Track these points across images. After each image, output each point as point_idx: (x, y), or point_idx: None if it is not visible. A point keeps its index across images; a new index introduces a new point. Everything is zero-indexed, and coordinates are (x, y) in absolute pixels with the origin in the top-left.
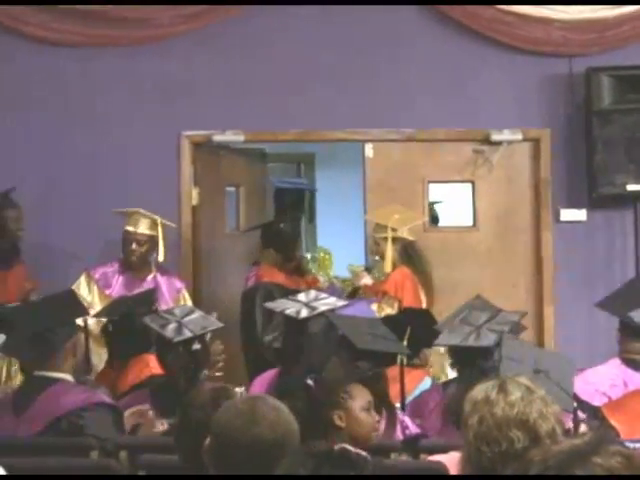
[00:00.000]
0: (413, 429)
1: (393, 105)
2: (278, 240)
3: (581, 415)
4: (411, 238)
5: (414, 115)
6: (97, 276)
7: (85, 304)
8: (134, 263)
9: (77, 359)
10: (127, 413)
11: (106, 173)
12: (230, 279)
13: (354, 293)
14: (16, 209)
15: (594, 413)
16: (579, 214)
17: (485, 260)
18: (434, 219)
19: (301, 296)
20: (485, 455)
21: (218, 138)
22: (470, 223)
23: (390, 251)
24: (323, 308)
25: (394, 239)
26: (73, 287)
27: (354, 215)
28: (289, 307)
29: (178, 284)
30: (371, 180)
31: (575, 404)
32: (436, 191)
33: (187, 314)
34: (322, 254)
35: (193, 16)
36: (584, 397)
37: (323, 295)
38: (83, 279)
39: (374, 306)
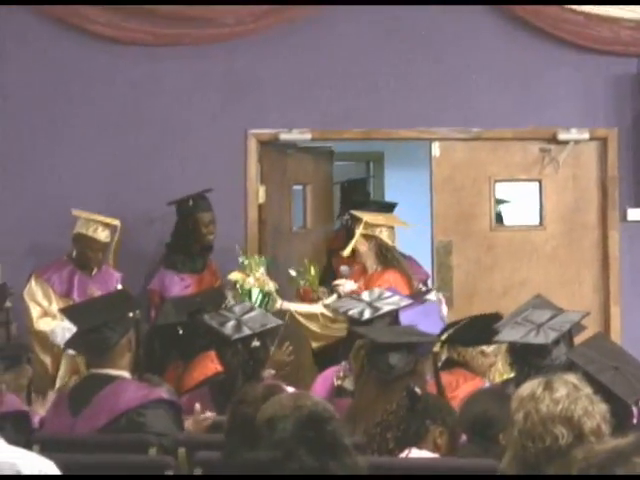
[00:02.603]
0: None
1: (460, 104)
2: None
3: None
4: (389, 242)
5: (481, 114)
6: (50, 279)
7: (37, 312)
8: (89, 266)
9: (133, 354)
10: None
11: (173, 172)
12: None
13: None
14: (209, 212)
15: None
16: None
17: (551, 259)
18: (498, 217)
19: (365, 295)
20: (529, 451)
21: (285, 136)
22: (537, 222)
23: (356, 239)
24: (387, 308)
25: (370, 237)
26: (25, 292)
27: (422, 214)
28: (353, 307)
29: (116, 274)
30: (438, 179)
31: None
32: (503, 190)
33: (247, 312)
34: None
35: (261, 15)
36: None
37: (387, 294)
38: (34, 283)
39: None
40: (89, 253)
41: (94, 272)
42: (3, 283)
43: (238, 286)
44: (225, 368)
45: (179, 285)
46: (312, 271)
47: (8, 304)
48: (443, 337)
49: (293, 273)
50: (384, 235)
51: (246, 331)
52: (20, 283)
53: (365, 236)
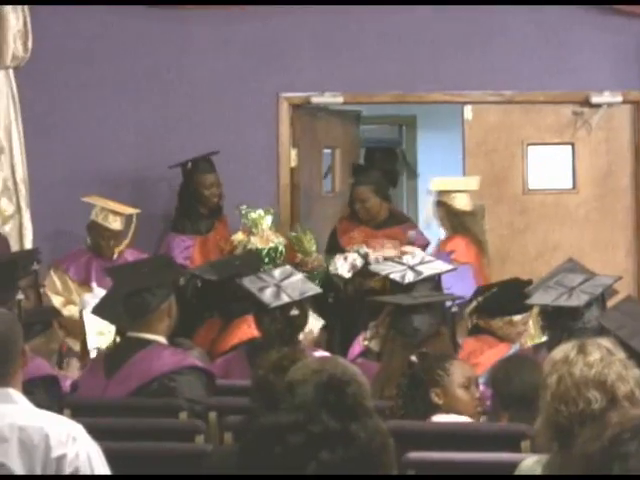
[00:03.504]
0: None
1: (492, 67)
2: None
3: None
4: (463, 208)
5: (513, 77)
6: (68, 269)
7: (59, 302)
8: (105, 253)
9: (172, 321)
10: None
11: (204, 135)
12: (324, 241)
13: None
14: (211, 174)
15: None
16: None
17: (584, 222)
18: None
19: (407, 259)
20: (562, 415)
21: (316, 100)
22: (570, 185)
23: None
24: (428, 272)
25: (444, 205)
26: (45, 284)
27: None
28: (394, 271)
29: (142, 256)
30: (470, 142)
31: None
32: (535, 153)
33: (286, 277)
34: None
35: None
36: None
37: (429, 258)
38: (53, 274)
39: None
40: (101, 242)
41: (115, 257)
42: (35, 248)
43: (241, 248)
44: (262, 333)
45: (180, 247)
46: (307, 236)
47: (36, 266)
48: (470, 307)
49: (289, 237)
50: (455, 201)
51: (285, 299)
52: (54, 252)
53: (437, 202)
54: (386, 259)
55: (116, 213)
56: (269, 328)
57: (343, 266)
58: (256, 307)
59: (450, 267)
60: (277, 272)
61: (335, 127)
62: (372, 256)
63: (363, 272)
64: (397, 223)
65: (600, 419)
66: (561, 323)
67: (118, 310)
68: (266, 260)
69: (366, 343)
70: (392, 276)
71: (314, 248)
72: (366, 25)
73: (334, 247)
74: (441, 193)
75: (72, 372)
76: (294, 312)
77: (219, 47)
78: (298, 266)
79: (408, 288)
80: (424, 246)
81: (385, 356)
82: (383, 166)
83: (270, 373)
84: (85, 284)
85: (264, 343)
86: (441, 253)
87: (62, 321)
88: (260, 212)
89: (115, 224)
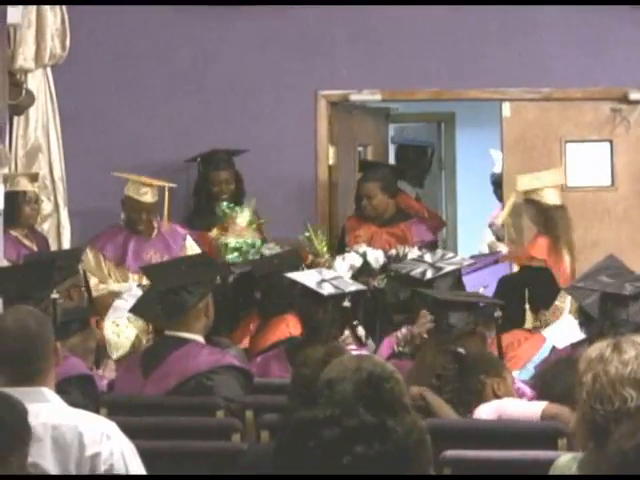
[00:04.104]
0: (530, 396)
1: (531, 64)
2: None
3: None
4: (555, 202)
5: (551, 74)
6: (104, 247)
7: (95, 280)
8: (141, 230)
9: (209, 320)
10: None
11: (243, 131)
12: None
13: None
14: (222, 171)
15: None
16: None
17: (623, 220)
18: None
19: (427, 256)
20: (598, 413)
21: (355, 97)
22: (608, 182)
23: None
24: (449, 268)
25: (535, 203)
26: (83, 264)
27: None
28: (415, 268)
29: (181, 231)
30: (508, 139)
31: None
32: (574, 150)
33: (329, 274)
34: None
35: None
36: None
37: (450, 255)
38: (89, 252)
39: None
40: (133, 215)
41: (154, 235)
42: (78, 247)
43: (215, 244)
44: (308, 328)
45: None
46: (318, 237)
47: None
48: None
49: (301, 238)
50: (545, 197)
51: (339, 290)
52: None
53: (526, 201)
54: (389, 257)
55: (147, 184)
56: (323, 319)
57: (342, 266)
58: (309, 299)
59: (470, 262)
60: (319, 270)
61: (367, 125)
62: (371, 256)
63: (366, 271)
64: (403, 220)
65: (636, 417)
66: (606, 311)
67: (155, 308)
68: (235, 254)
69: (400, 349)
70: (412, 273)
71: (325, 249)
72: (404, 22)
73: (343, 247)
74: (528, 192)
75: (109, 372)
76: (346, 304)
77: (257, 44)
78: (309, 267)
79: (428, 285)
80: (431, 242)
81: (419, 352)
82: (413, 164)
83: (309, 369)
84: (121, 264)
85: (308, 339)
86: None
87: (99, 321)
88: (237, 208)
89: (146, 197)
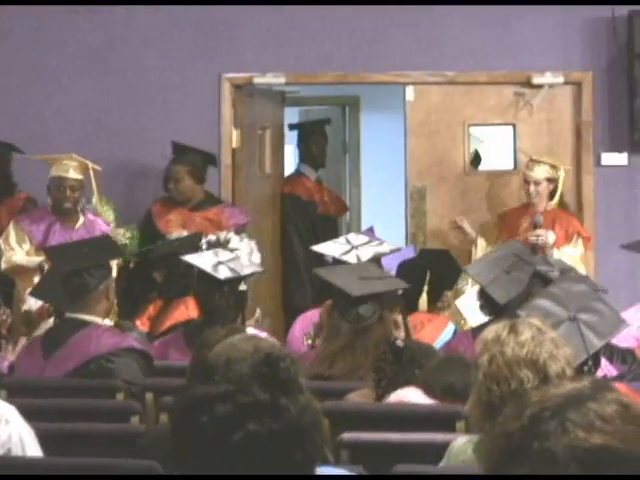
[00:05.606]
0: None
1: (435, 48)
2: None
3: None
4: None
5: (455, 58)
6: (28, 228)
7: (18, 256)
8: (68, 210)
9: (111, 302)
10: None
11: (147, 117)
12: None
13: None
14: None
15: (623, 356)
16: (620, 158)
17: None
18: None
19: (351, 237)
20: (494, 394)
21: (259, 80)
22: (511, 166)
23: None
24: (370, 253)
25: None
26: (1, 238)
27: (397, 159)
28: (339, 251)
29: (104, 227)
30: (412, 123)
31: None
32: (477, 134)
33: (226, 256)
34: None
35: None
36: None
37: (374, 240)
38: (12, 227)
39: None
40: (58, 194)
41: (77, 225)
42: None
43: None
44: (205, 312)
45: None
46: (103, 208)
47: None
48: None
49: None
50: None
51: (234, 273)
52: None
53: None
54: (208, 243)
55: (70, 159)
56: (219, 303)
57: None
58: (205, 282)
59: (393, 248)
60: (216, 251)
61: (266, 108)
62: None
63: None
64: (213, 205)
65: (523, 398)
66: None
67: (57, 290)
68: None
69: (310, 342)
70: (338, 257)
71: (112, 218)
72: (308, 6)
73: (151, 231)
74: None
75: (10, 355)
76: (242, 287)
77: (161, 28)
78: None
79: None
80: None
81: (329, 335)
82: (315, 142)
83: (209, 351)
84: (40, 249)
85: (206, 322)
86: None
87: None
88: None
89: (70, 173)
